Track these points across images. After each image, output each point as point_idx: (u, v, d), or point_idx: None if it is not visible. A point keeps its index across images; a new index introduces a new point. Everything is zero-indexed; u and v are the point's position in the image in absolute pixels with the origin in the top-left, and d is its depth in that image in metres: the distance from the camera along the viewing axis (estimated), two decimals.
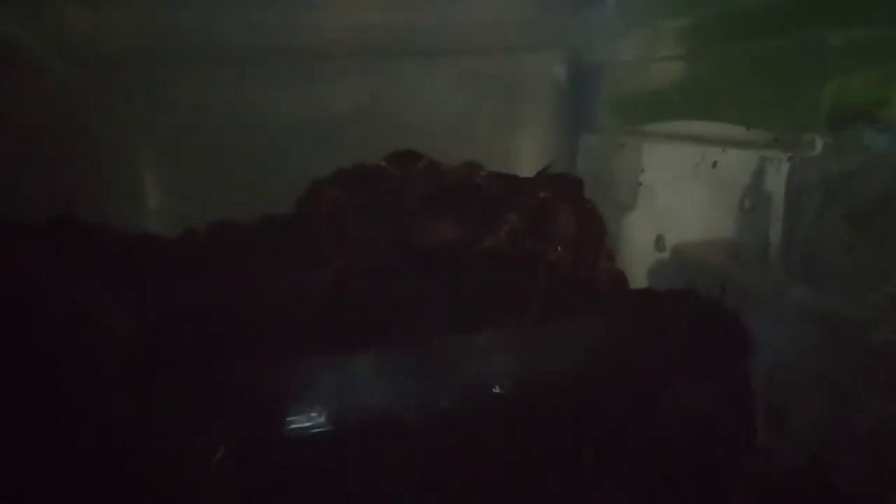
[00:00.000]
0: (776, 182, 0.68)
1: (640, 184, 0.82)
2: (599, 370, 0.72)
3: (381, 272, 0.70)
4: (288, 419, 0.69)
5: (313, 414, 0.69)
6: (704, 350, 0.73)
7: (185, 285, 0.68)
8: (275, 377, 0.68)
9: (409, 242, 0.71)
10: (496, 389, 0.71)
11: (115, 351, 0.66)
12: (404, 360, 0.71)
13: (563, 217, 0.74)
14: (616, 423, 0.70)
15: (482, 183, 0.74)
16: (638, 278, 0.80)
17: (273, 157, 0.76)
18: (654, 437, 0.70)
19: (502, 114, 0.86)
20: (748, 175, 0.71)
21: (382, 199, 0.72)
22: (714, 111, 0.74)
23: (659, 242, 0.80)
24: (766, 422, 0.70)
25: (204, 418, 0.66)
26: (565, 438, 0.69)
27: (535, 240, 0.73)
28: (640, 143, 0.82)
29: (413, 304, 0.70)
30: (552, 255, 0.73)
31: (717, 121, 0.73)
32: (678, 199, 0.79)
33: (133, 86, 0.74)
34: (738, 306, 0.72)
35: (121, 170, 0.75)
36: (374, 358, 0.70)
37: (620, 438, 0.70)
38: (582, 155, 0.87)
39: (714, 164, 0.73)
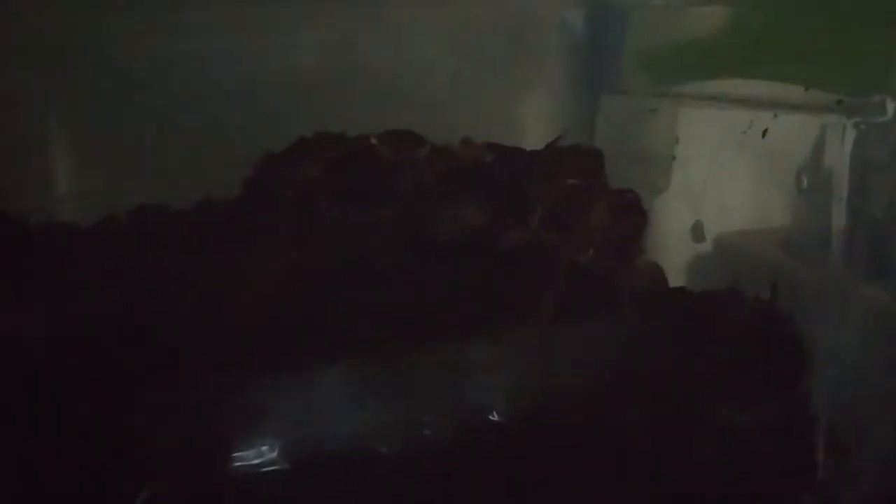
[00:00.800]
0: (839, 156, 0.63)
1: (674, 158, 0.74)
2: (622, 391, 0.66)
3: (361, 268, 0.64)
4: (234, 453, 0.61)
5: (264, 447, 0.61)
6: (751, 364, 0.67)
7: (101, 283, 0.60)
8: (215, 398, 0.60)
9: (422, 232, 0.65)
10: (493, 416, 0.65)
11: (19, 360, 0.58)
12: (380, 377, 0.64)
13: (598, 211, 0.67)
14: (645, 455, 0.65)
15: (496, 162, 0.67)
16: (671, 275, 0.72)
17: (217, 126, 0.65)
18: (692, 471, 0.65)
19: (503, 70, 0.76)
20: (805, 146, 0.65)
21: (372, 180, 0.65)
22: (766, 67, 0.69)
23: (697, 231, 0.73)
24: (827, 454, 0.66)
25: (127, 449, 0.58)
26: (582, 477, 0.63)
27: (560, 234, 0.66)
28: (674, 107, 0.74)
29: (397, 306, 0.63)
30: (581, 255, 0.67)
31: (770, 79, 0.68)
32: (720, 177, 0.71)
33: (37, 38, 0.63)
34: (793, 310, 0.67)
35: (25, 146, 0.65)
36: (342, 375, 0.63)
37: (650, 474, 0.64)
38: (602, 122, 0.78)
39: (764, 133, 0.67)
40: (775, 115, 0.67)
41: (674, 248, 0.74)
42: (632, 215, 0.68)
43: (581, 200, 0.67)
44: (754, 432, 0.65)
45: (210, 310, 0.60)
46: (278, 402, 0.61)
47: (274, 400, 0.61)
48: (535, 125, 0.75)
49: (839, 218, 0.63)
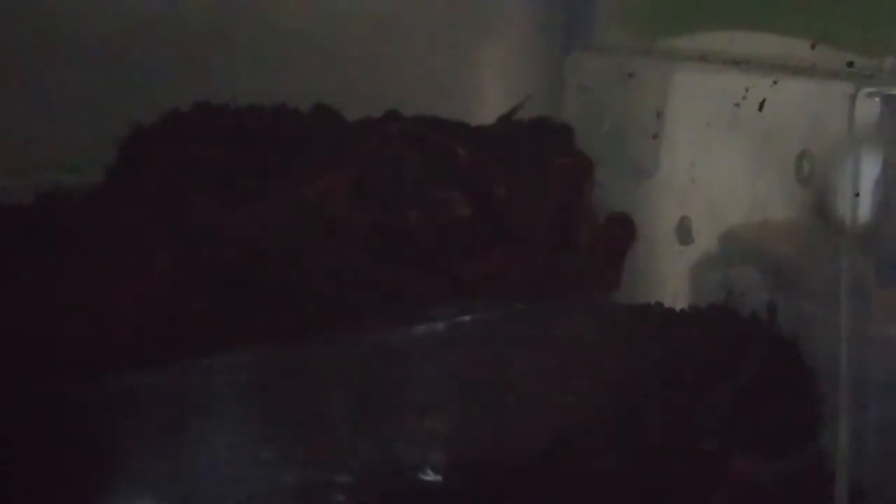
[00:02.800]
0: (848, 133, 0.56)
1: (656, 136, 0.70)
2: (581, 437, 0.58)
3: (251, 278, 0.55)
4: None
5: None
6: (747, 405, 0.60)
7: None
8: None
9: (333, 232, 0.57)
10: (427, 474, 0.57)
11: None
12: (276, 421, 0.55)
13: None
14: None
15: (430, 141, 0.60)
16: (649, 284, 0.68)
17: (75, 89, 0.60)
18: None
19: (450, 18, 0.70)
20: (807, 121, 0.59)
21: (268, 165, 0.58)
22: (767, 15, 0.67)
23: (682, 229, 0.67)
24: None
25: None
26: None
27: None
28: (658, 69, 0.71)
29: (296, 322, 0.55)
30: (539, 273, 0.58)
31: (770, 32, 0.65)
32: (709, 161, 0.67)
33: None
34: (798, 334, 0.60)
35: None
36: (224, 418, 0.54)
37: None
38: (572, 87, 0.75)
39: (761, 105, 0.62)
40: (775, 83, 0.61)
41: (655, 250, 0.69)
42: (616, 230, 0.61)
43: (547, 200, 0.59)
44: (755, 494, 0.58)
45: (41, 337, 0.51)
46: (131, 456, 0.52)
47: (125, 453, 0.52)
48: (490, 88, 0.68)
49: (850, 216, 0.56)
